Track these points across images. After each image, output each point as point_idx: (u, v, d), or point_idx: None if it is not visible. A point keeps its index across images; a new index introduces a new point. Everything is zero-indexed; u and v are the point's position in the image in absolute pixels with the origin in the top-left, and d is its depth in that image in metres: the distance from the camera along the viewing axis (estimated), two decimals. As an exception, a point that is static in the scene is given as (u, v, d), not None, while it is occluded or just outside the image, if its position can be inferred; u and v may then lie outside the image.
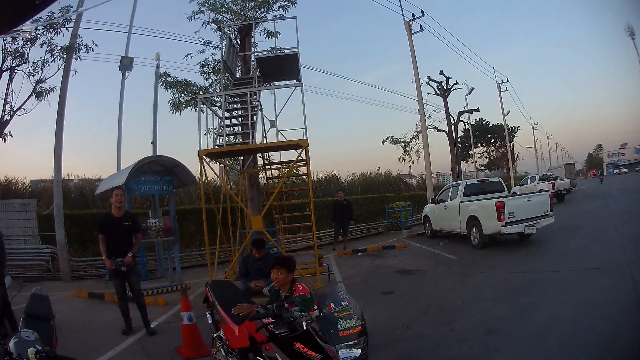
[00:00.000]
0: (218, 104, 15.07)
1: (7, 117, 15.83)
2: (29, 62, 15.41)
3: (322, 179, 30.67)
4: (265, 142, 13.22)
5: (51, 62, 15.45)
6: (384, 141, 42.79)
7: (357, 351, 4.14)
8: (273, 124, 12.46)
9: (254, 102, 12.36)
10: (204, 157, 11.60)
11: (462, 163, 53.36)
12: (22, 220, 16.21)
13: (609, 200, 27.21)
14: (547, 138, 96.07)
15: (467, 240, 15.81)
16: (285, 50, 14.27)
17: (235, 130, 13.89)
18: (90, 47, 15.74)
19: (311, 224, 11.96)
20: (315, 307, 4.34)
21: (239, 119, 13.74)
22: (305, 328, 4.23)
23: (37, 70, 15.55)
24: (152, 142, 20.12)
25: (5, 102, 15.75)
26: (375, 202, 26.90)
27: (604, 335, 6.26)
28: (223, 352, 6.03)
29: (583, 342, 6.16)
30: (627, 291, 8.12)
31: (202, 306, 6.78)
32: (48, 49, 15.21)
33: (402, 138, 41.88)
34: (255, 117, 12.21)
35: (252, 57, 16.13)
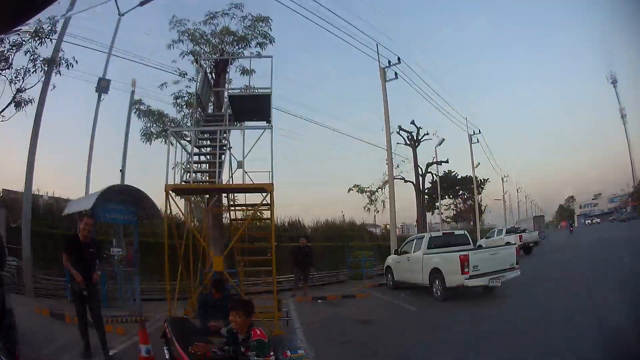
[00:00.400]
0: (188, 139, 14.99)
1: None
2: (12, 67, 15.50)
3: (286, 224, 30.52)
4: (231, 182, 13.07)
5: (32, 72, 15.56)
6: (350, 189, 42.92)
7: None
8: (240, 165, 12.32)
9: (223, 141, 12.39)
10: (170, 192, 11.44)
11: (428, 214, 53.64)
12: None
13: (576, 252, 27.63)
14: (517, 190, 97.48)
15: (429, 292, 15.61)
16: (259, 90, 14.19)
17: (202, 167, 13.83)
18: (70, 63, 16.04)
19: (272, 269, 11.81)
20: (271, 354, 4.26)
21: (207, 157, 13.64)
22: None
23: (19, 78, 15.64)
24: (120, 170, 19.83)
25: None
26: (338, 251, 26.86)
27: None
28: None
29: None
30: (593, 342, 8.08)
31: (159, 340, 6.76)
32: (31, 57, 15.35)
33: (368, 187, 42.06)
34: (223, 157, 12.18)
35: (225, 94, 16.16)
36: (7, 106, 15.87)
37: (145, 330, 7.56)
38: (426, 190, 48.90)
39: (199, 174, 12.91)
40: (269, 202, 11.60)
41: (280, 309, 12.61)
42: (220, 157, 12.00)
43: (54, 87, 15.99)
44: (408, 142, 41.62)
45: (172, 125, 17.54)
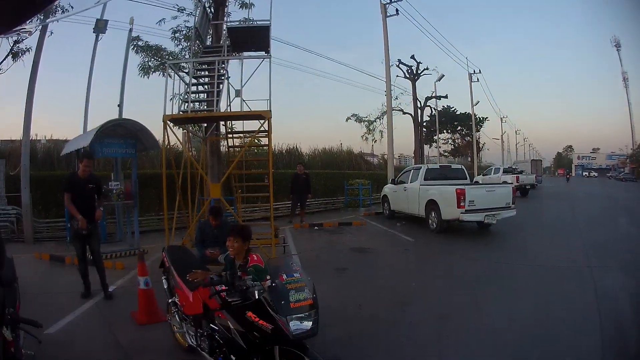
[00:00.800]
0: (186, 70, 14.77)
1: None
2: None
3: (283, 151, 30.19)
4: (229, 110, 12.94)
5: (29, 22, 15.05)
6: (348, 118, 42.89)
7: (308, 324, 4.13)
8: (238, 93, 12.18)
9: (221, 71, 12.23)
10: (168, 122, 11.41)
11: (426, 147, 53.49)
12: None
13: (575, 202, 27.39)
14: (515, 132, 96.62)
15: (425, 224, 15.79)
16: (258, 22, 13.93)
17: (200, 97, 13.68)
18: (66, 9, 15.72)
19: (269, 195, 11.83)
20: (268, 278, 4.29)
21: (205, 87, 13.50)
22: (257, 297, 4.19)
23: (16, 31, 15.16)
24: (118, 105, 19.61)
25: None
26: (335, 178, 26.96)
27: (556, 339, 6.17)
28: (177, 319, 5.99)
29: (535, 342, 6.09)
30: (586, 296, 8.04)
31: (159, 272, 6.66)
32: None
33: (366, 117, 41.91)
34: (221, 86, 12.10)
35: (224, 27, 15.86)
36: (4, 59, 15.78)
37: (143, 262, 7.55)
38: (424, 124, 48.60)
39: (196, 104, 12.69)
40: (267, 129, 11.56)
41: (277, 235, 12.74)
42: (218, 87, 11.92)
43: (51, 33, 15.87)
44: (407, 76, 41.28)
45: (171, 58, 17.33)
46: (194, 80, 12.59)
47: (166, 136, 11.62)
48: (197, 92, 13.59)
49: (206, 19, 15.41)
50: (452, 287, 8.94)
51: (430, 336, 6.46)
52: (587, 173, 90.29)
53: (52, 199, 16.19)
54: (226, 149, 17.14)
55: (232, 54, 14.09)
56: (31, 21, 13.57)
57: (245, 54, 15.24)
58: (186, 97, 11.81)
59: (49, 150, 21.80)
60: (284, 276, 4.24)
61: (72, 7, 15.87)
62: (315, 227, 17.63)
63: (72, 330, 7.01)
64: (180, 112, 11.63)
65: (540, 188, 34.75)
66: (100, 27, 19.35)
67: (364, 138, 42.03)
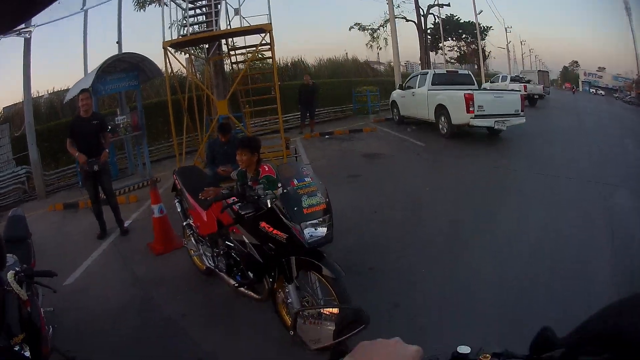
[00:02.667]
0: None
1: None
2: None
3: (289, 64, 29.51)
4: (229, 28, 12.57)
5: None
6: (351, 27, 41.36)
7: (323, 230, 4.03)
8: (237, 11, 11.91)
9: None
10: (169, 48, 11.18)
11: (432, 55, 52.33)
12: None
13: (584, 117, 26.35)
14: (521, 43, 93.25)
15: (435, 129, 15.47)
16: None
17: (199, 19, 13.19)
18: None
19: (277, 106, 11.65)
20: (280, 185, 4.17)
21: (203, 9, 13.02)
22: (269, 206, 4.06)
23: None
24: (117, 42, 19.04)
25: None
26: (342, 87, 26.30)
27: (567, 249, 6.03)
28: (193, 241, 5.93)
29: (546, 252, 5.97)
30: (598, 207, 7.80)
31: (173, 198, 6.52)
32: None
33: (369, 25, 40.77)
34: (219, 6, 11.83)
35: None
36: None
37: (155, 189, 7.49)
38: (428, 31, 47.42)
39: (196, 27, 12.39)
40: (269, 42, 11.34)
41: (288, 147, 12.78)
42: (216, 7, 11.65)
43: None
44: None
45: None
46: (190, 5, 12.24)
47: (168, 63, 11.43)
48: (195, 14, 13.07)
49: None
50: (464, 192, 8.85)
51: (445, 242, 6.46)
52: (593, 90, 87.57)
53: (60, 148, 15.43)
54: (230, 67, 16.75)
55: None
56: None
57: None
58: (184, 21, 11.54)
59: (52, 103, 21.38)
60: (295, 182, 4.08)
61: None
62: (326, 136, 17.45)
63: (89, 275, 7.01)
64: (180, 36, 11.40)
65: (548, 99, 33.63)
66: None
67: (369, 46, 40.70)
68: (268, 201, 4.05)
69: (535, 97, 30.37)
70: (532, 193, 8.71)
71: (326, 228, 4.04)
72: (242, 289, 4.89)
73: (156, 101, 18.90)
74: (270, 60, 13.59)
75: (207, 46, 15.30)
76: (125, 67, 13.11)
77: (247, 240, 4.40)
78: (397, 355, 0.95)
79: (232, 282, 4.95)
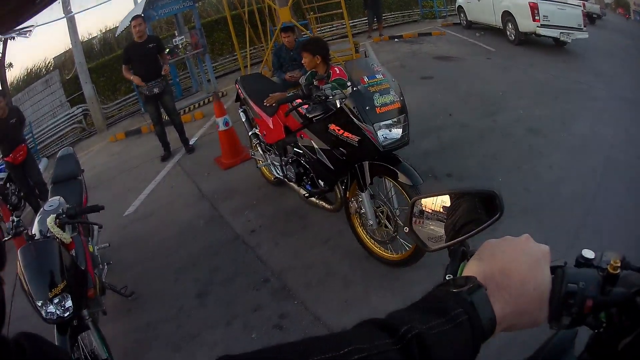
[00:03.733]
0: None
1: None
2: None
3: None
4: None
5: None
6: None
7: (398, 132, 3.66)
8: None
9: None
10: None
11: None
12: (48, 97, 15.40)
13: None
14: None
15: (503, 35, 14.63)
16: None
17: None
18: None
19: (342, 11, 11.14)
20: (349, 84, 3.74)
21: None
22: (338, 107, 3.72)
23: None
24: None
25: None
26: (408, -11, 25.12)
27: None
28: (260, 151, 5.66)
29: (620, 167, 5.56)
30: None
31: (238, 108, 6.17)
32: None
33: None
34: None
35: None
36: None
37: (220, 102, 7.24)
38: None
39: None
40: None
41: (358, 50, 12.38)
42: None
43: None
44: None
45: None
46: None
47: None
48: None
49: None
50: (537, 100, 8.24)
51: (522, 150, 6.10)
52: None
53: (117, 79, 15.64)
54: None
55: None
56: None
57: None
58: None
59: (106, 40, 20.75)
60: (366, 79, 3.65)
61: None
62: (395, 40, 16.74)
63: (153, 200, 6.96)
64: None
65: (606, 20, 31.62)
66: None
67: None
68: (337, 101, 3.73)
69: (594, 15, 28.93)
70: (600, 108, 8.03)
71: (401, 129, 3.66)
72: (313, 199, 4.71)
73: (216, 17, 18.35)
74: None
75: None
76: None
77: (316, 146, 4.11)
78: (528, 253, 0.86)
79: (303, 191, 4.75)
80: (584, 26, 13.44)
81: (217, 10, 20.44)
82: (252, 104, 5.42)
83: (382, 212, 3.92)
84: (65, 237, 3.28)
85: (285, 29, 8.17)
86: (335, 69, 4.48)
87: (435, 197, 1.13)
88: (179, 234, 5.59)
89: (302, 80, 4.98)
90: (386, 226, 3.91)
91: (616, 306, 0.86)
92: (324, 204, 4.62)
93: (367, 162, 3.81)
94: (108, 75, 16.23)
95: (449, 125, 7.09)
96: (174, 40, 12.15)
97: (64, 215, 3.36)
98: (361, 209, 4.04)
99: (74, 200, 4.13)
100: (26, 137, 13.15)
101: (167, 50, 10.54)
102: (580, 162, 5.63)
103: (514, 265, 0.83)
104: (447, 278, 0.95)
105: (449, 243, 1.03)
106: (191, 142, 8.74)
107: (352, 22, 19.28)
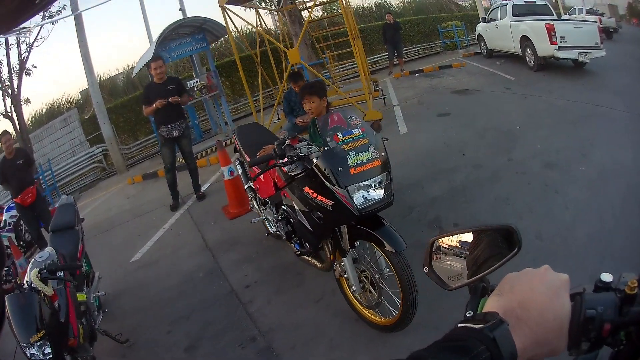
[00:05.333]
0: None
1: (24, 55, 15.44)
2: None
3: (372, 6, 28.27)
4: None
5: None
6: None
7: (379, 192, 3.23)
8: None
9: None
10: (226, 6, 10.36)
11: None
12: (67, 135, 15.83)
13: None
14: None
15: (523, 61, 14.31)
16: None
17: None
18: None
19: (353, 49, 10.95)
20: (328, 139, 3.34)
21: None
22: (310, 168, 3.33)
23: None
24: (180, 9, 18.69)
25: (19, 44, 15.37)
26: (427, 23, 25.13)
27: None
28: (256, 205, 5.33)
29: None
30: None
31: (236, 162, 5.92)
32: None
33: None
34: None
35: None
36: (40, 29, 15.59)
37: (224, 150, 7.09)
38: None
39: None
40: None
41: (377, 87, 12.18)
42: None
43: None
44: None
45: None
46: None
47: (229, 21, 10.64)
48: None
49: None
50: (555, 130, 7.76)
51: (537, 189, 5.59)
52: None
53: (137, 120, 15.86)
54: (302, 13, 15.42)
55: None
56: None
57: None
58: None
59: (127, 78, 21.23)
60: (340, 135, 3.30)
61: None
62: (416, 74, 16.64)
63: (159, 248, 6.86)
64: None
65: (622, 33, 30.89)
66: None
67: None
68: (315, 159, 3.32)
69: (610, 30, 28.25)
70: (624, 133, 7.36)
71: (383, 189, 3.23)
72: (304, 256, 4.32)
73: (232, 59, 17.99)
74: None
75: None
76: (190, 31, 12.82)
77: (296, 207, 3.77)
78: (546, 284, 0.85)
79: (295, 249, 4.38)
80: (601, 43, 13.07)
81: (240, 49, 20.59)
82: (246, 156, 5.15)
83: (365, 277, 3.54)
84: (48, 290, 3.36)
85: (293, 77, 7.99)
86: (334, 116, 4.06)
87: (453, 236, 1.15)
88: (178, 284, 5.46)
89: (284, 135, 4.68)
90: (370, 291, 3.53)
91: (634, 325, 0.84)
92: (315, 262, 4.25)
93: (345, 226, 3.43)
94: (127, 116, 16.37)
95: (461, 167, 6.66)
96: (189, 82, 12.13)
97: (45, 270, 3.41)
98: (344, 273, 3.64)
99: (69, 251, 4.25)
100: (44, 175, 13.72)
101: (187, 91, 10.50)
102: (598, 197, 5.12)
103: (533, 296, 0.83)
104: (467, 315, 0.95)
105: (469, 280, 1.05)
106: (203, 189, 8.60)
107: (374, 58, 19.86)
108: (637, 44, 24.55)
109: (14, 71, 15.05)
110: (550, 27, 12.43)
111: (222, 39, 16.24)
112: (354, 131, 3.37)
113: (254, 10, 13.81)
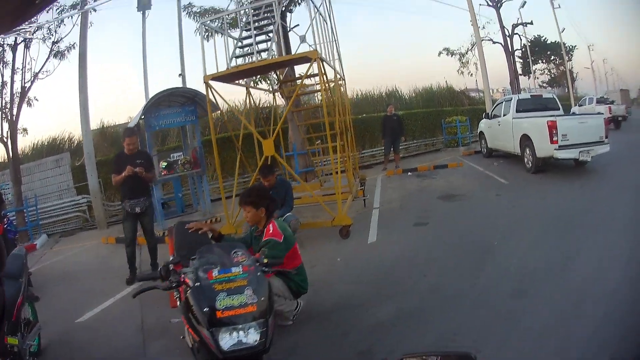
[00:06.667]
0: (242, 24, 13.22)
1: (27, 84, 15.54)
2: (42, 28, 15.47)
3: (383, 94, 28.57)
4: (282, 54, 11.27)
5: (65, 20, 15.54)
6: (440, 53, 39.91)
7: (250, 338, 2.88)
8: (303, 39, 10.78)
9: (263, 15, 10.59)
10: (210, 82, 10.00)
11: (525, 79, 50.25)
12: (57, 176, 16.43)
13: None
14: (603, 61, 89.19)
15: (521, 162, 13.81)
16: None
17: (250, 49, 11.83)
18: None
19: (354, 142, 10.78)
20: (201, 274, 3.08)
21: (266, 35, 11.86)
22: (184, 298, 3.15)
23: (51, 34, 15.59)
24: (179, 75, 19.00)
25: (24, 71, 15.49)
26: (432, 117, 24.77)
27: None
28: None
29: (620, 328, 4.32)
30: None
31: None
32: (58, 9, 15.22)
33: (457, 49, 39.15)
34: (270, 34, 10.50)
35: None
36: (45, 62, 15.76)
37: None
38: (519, 54, 45.38)
39: (250, 57, 10.78)
40: (317, 72, 9.78)
41: (362, 186, 11.79)
42: (268, 35, 10.49)
43: (91, 24, 15.47)
44: (490, 3, 37.80)
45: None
46: (244, 34, 10.67)
47: (212, 97, 10.27)
48: (245, 45, 11.15)
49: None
50: (537, 243, 7.19)
51: (494, 323, 4.78)
52: None
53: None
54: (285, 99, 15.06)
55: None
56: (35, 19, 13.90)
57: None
58: (237, 51, 10.27)
59: (118, 134, 21.61)
60: (215, 272, 3.01)
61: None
62: (409, 173, 16.27)
63: (102, 317, 6.77)
64: (229, 67, 9.99)
65: (631, 120, 30.53)
66: (144, 3, 19.07)
67: (460, 72, 39.26)
68: (188, 292, 3.07)
69: (619, 119, 27.87)
70: (615, 241, 6.82)
71: (258, 335, 2.86)
72: None
73: (223, 136, 17.75)
74: (343, 90, 12.68)
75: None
76: (183, 101, 12.79)
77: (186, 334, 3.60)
78: None
79: None
80: (606, 137, 12.55)
81: (224, 127, 20.16)
82: (171, 251, 5.01)
83: None
84: None
85: (262, 171, 7.75)
86: (270, 227, 3.94)
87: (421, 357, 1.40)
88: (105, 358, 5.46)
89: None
90: None
91: None
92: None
93: None
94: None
95: (417, 290, 5.97)
96: (171, 155, 12.17)
97: None
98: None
99: (7, 300, 4.20)
100: (28, 210, 14.21)
101: (165, 164, 11.17)
102: (565, 333, 4.38)
103: None
104: None
105: None
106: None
107: (371, 152, 20.16)
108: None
109: (16, 95, 15.20)
110: (552, 124, 12.02)
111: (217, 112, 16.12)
112: (234, 269, 3.10)
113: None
